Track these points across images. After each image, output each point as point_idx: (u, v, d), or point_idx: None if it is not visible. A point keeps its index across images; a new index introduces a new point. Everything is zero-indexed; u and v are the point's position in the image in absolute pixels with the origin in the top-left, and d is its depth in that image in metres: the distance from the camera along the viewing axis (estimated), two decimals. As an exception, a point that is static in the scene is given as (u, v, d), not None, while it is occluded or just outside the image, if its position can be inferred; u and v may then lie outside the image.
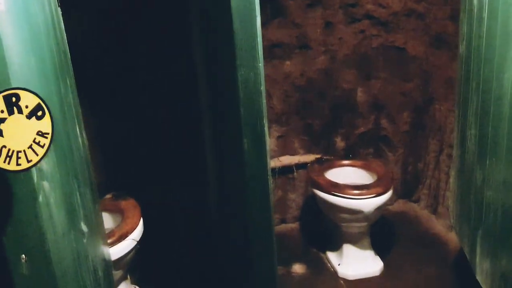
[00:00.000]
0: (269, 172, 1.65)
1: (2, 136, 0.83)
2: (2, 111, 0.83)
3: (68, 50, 1.48)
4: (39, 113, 0.86)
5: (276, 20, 2.61)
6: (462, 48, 1.86)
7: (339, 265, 2.44)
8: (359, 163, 2.59)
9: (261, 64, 1.54)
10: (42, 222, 0.97)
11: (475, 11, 1.65)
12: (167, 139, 2.43)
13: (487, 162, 1.58)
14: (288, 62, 2.70)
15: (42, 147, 0.87)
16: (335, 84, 2.80)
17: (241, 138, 1.61)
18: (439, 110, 2.76)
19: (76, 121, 1.47)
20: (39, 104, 0.86)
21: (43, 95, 0.89)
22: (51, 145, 0.88)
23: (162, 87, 2.38)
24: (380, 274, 2.40)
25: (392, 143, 2.96)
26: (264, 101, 1.57)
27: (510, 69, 1.37)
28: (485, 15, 1.54)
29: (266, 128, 1.60)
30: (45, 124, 0.87)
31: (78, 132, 1.49)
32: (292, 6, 2.61)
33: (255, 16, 1.47)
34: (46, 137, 0.88)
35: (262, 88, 1.56)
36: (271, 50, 2.63)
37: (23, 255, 0.95)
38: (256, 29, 1.49)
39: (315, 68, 2.74)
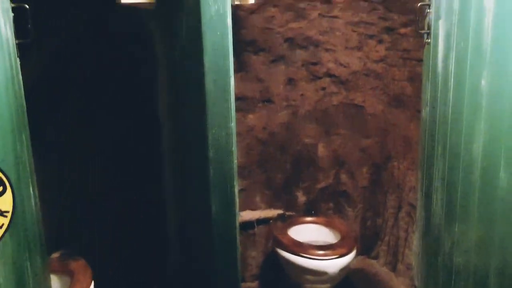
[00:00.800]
0: (237, 236, 1.57)
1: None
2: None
3: (24, 99, 1.38)
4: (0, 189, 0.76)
5: (239, 74, 2.60)
6: (425, 112, 1.90)
7: (301, 328, 2.34)
8: (322, 220, 2.56)
9: (233, 124, 1.49)
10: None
11: (440, 78, 1.69)
12: (126, 195, 2.30)
13: (456, 227, 1.58)
14: (251, 116, 2.68)
15: (1, 227, 0.75)
16: (296, 139, 2.80)
17: (209, 200, 1.53)
18: (397, 168, 2.81)
19: (30, 180, 1.34)
20: (0, 179, 0.75)
21: (2, 162, 0.79)
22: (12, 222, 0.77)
23: (121, 142, 2.28)
24: (343, 338, 2.32)
25: (351, 198, 2.96)
26: (235, 161, 1.52)
27: (479, 139, 1.39)
28: (451, 84, 1.58)
29: (236, 190, 1.54)
30: (6, 201, 0.76)
31: (32, 193, 1.36)
32: (256, 62, 2.62)
33: (229, 77, 1.44)
34: (6, 216, 0.76)
35: (234, 148, 1.50)
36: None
37: None
38: (230, 89, 1.46)
39: (277, 122, 2.74)
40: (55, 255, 2.16)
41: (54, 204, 2.23)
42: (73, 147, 2.21)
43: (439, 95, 1.71)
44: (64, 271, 2.01)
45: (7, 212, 0.77)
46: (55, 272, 2.00)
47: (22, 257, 1.13)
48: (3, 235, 0.76)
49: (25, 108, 1.39)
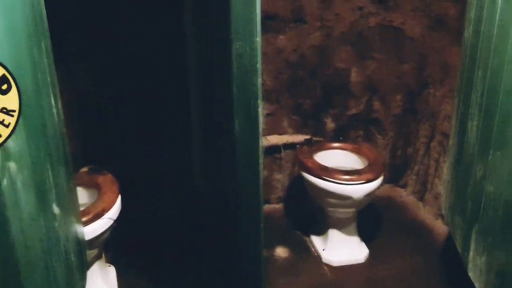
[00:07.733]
0: (261, 156, 1.54)
1: (-43, 113, 0.69)
2: (-42, 83, 0.69)
3: (44, 8, 1.33)
4: (4, 87, 0.72)
5: (270, -10, 2.46)
6: (468, 33, 1.76)
7: (323, 250, 2.37)
8: (350, 146, 2.50)
9: (258, 39, 1.41)
10: (5, 209, 0.84)
11: (488, -6, 1.53)
12: (150, 108, 2.30)
13: (490, 155, 1.50)
14: (281, 37, 2.56)
15: (7, 126, 0.73)
16: (328, 63, 2.68)
17: (232, 118, 1.49)
18: (433, 95, 2.67)
19: (51, 90, 1.32)
20: (3, 76, 0.72)
21: (13, 63, 0.75)
22: (19, 123, 0.75)
23: (146, 54, 2.23)
24: (365, 261, 2.34)
25: (383, 126, 2.87)
26: (260, 79, 1.45)
27: (527, 59, 1.27)
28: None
29: (260, 109, 1.48)
30: (11, 100, 0.73)
31: (53, 103, 1.35)
32: (289, -23, 2.46)
33: (255, -15, 1.33)
34: (12, 115, 0.74)
35: (259, 65, 1.43)
36: (264, 22, 2.45)
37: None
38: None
39: (309, 44, 2.61)
40: (83, 169, 2.21)
41: (82, 122, 2.26)
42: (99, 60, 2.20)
43: (484, 13, 1.56)
44: (91, 185, 2.07)
45: (13, 111, 0.74)
46: (82, 185, 2.06)
47: (43, 165, 1.13)
48: (10, 134, 0.74)
49: (45, 15, 1.35)
